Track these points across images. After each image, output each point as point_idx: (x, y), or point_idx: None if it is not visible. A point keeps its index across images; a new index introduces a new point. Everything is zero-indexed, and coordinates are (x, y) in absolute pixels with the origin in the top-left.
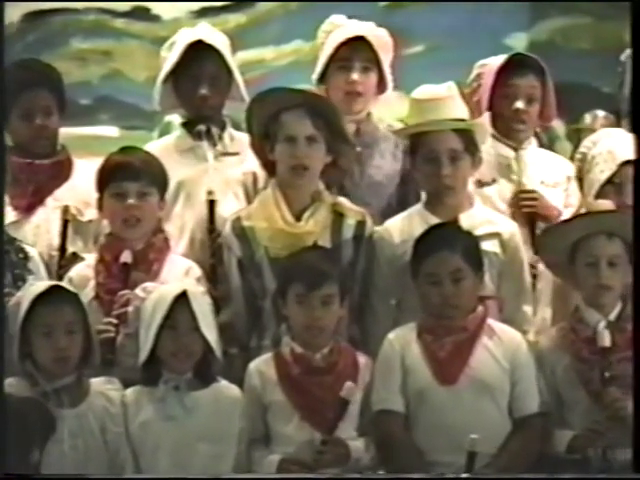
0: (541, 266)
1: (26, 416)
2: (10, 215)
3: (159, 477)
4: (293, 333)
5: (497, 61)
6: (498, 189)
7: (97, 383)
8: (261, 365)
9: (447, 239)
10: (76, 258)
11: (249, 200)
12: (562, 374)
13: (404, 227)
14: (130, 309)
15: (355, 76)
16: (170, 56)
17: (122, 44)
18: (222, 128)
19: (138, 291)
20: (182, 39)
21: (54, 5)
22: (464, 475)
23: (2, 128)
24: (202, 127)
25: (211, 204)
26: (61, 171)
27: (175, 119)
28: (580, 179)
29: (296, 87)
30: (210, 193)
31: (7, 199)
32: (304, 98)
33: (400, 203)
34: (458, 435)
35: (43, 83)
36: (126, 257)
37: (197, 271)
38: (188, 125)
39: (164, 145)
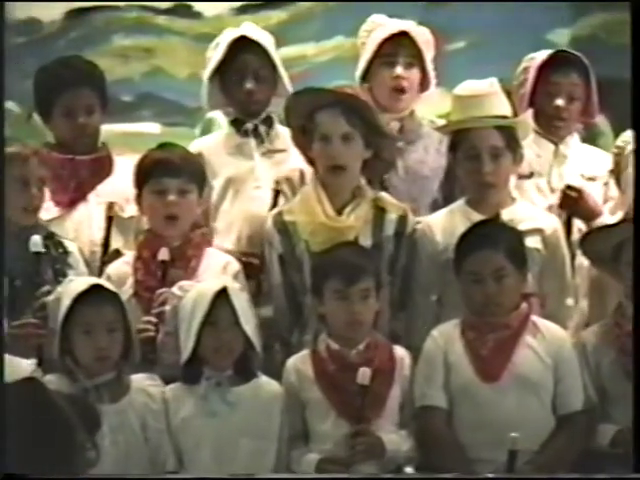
0: (578, 261)
1: (71, 413)
2: (52, 211)
3: (162, 477)
4: (330, 330)
5: (543, 56)
6: (537, 183)
7: (138, 379)
8: (298, 362)
9: (490, 237)
10: (119, 254)
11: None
12: (607, 369)
13: (446, 223)
14: (168, 308)
15: (399, 70)
16: (216, 53)
17: (164, 41)
18: (269, 125)
19: (175, 289)
20: (226, 38)
21: (97, 3)
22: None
23: (2, 128)
24: (249, 125)
25: (276, 194)
26: (102, 168)
27: (217, 116)
28: (617, 173)
29: (330, 85)
30: (278, 183)
31: (48, 194)
32: (337, 97)
33: (445, 198)
34: (501, 432)
35: (86, 81)
36: (164, 254)
37: (235, 266)
38: (236, 123)
39: (212, 142)
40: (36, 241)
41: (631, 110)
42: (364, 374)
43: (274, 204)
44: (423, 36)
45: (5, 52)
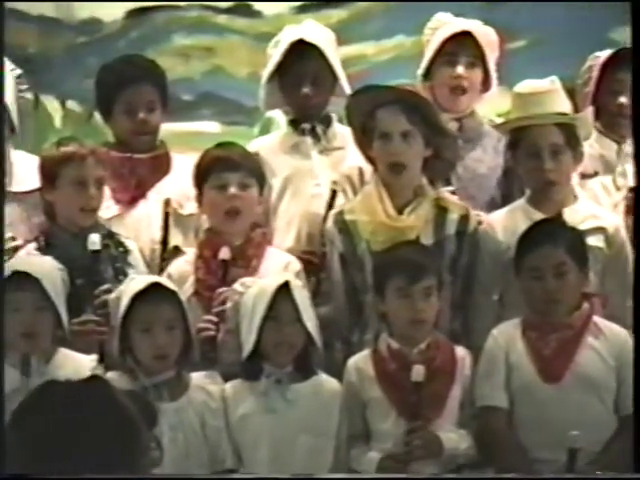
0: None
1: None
2: (113, 209)
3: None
4: (391, 329)
5: (607, 54)
6: (602, 182)
7: (197, 378)
8: (359, 362)
9: (551, 233)
10: (178, 251)
11: (355, 194)
12: None
13: (507, 222)
14: (229, 305)
15: (460, 70)
16: (274, 54)
17: (224, 40)
18: (327, 125)
19: (237, 286)
20: (286, 37)
21: (157, 3)
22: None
23: (2, 127)
24: (307, 125)
25: (333, 194)
26: (160, 166)
27: (276, 115)
28: None
29: (390, 84)
30: (335, 183)
31: (109, 193)
32: (397, 94)
33: (503, 197)
34: (562, 432)
35: (147, 78)
36: (224, 253)
37: (296, 265)
38: (294, 122)
39: (270, 142)
40: (94, 240)
41: (631, 110)
42: (418, 371)
43: (331, 203)
44: (487, 36)
45: (65, 52)
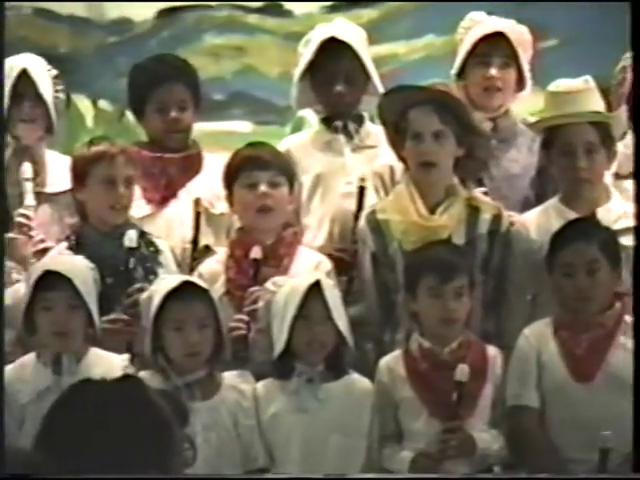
0: None
1: (164, 409)
2: (144, 208)
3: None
4: (422, 328)
5: None
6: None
7: (229, 377)
8: (390, 362)
9: (584, 231)
10: (208, 251)
11: (387, 193)
12: None
13: (540, 221)
14: (261, 304)
15: (493, 71)
16: (306, 53)
17: (255, 40)
18: (359, 123)
19: (268, 285)
20: (317, 36)
21: (188, 2)
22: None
23: (2, 127)
24: (339, 123)
25: (361, 191)
26: (191, 165)
27: (308, 114)
28: None
29: (421, 84)
30: (362, 180)
31: (139, 192)
32: (430, 95)
33: (537, 196)
34: (594, 432)
35: (179, 78)
36: (256, 253)
37: (327, 265)
38: (326, 120)
39: (301, 140)
40: (131, 236)
41: (632, 110)
42: (462, 371)
43: (360, 201)
44: (521, 35)
45: (97, 51)
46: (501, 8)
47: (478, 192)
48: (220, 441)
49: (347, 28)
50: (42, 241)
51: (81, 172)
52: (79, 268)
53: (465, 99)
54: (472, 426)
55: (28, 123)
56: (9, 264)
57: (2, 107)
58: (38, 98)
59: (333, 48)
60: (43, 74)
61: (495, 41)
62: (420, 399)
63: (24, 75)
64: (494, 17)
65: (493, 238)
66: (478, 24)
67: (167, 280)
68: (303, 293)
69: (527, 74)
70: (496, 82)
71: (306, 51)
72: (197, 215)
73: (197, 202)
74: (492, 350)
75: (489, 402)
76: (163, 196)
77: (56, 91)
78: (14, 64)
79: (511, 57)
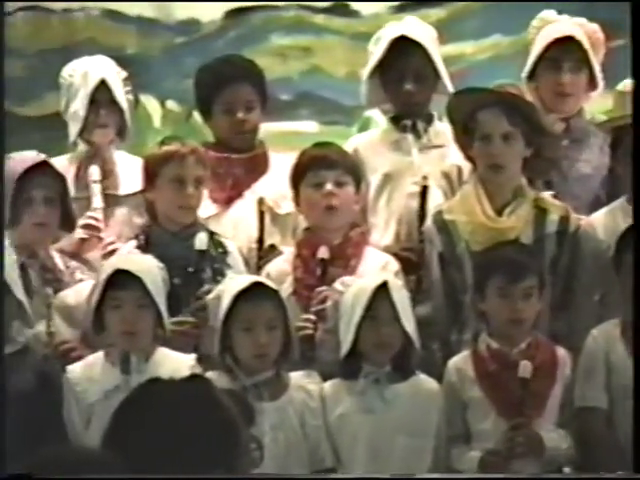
0: None
1: (231, 410)
2: (210, 208)
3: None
4: (491, 328)
5: None
6: None
7: (296, 377)
8: (459, 362)
9: None
10: (274, 250)
11: (453, 193)
12: None
13: (608, 222)
14: (329, 304)
15: (565, 78)
16: (376, 51)
17: (322, 40)
18: (428, 122)
19: (337, 285)
20: (387, 34)
21: (255, 3)
22: None
23: (2, 126)
24: (408, 121)
25: (424, 190)
26: (257, 165)
27: (374, 114)
28: None
29: (490, 84)
30: (425, 178)
31: (206, 193)
32: (499, 97)
33: (609, 196)
34: None
35: (246, 78)
36: (323, 253)
37: (394, 265)
38: (395, 119)
39: (369, 139)
40: (202, 239)
41: (632, 110)
42: (525, 367)
43: (423, 201)
44: (592, 35)
45: (164, 52)
46: (571, 6)
47: (545, 194)
48: (287, 441)
49: (418, 27)
50: (112, 243)
51: (152, 172)
52: (149, 268)
53: (537, 101)
54: (540, 426)
55: (103, 128)
56: (73, 264)
57: (2, 106)
58: (114, 103)
59: (403, 46)
60: (117, 79)
61: (566, 44)
62: (489, 399)
63: (102, 83)
64: (565, 16)
65: (561, 239)
66: (549, 24)
67: (237, 280)
68: (371, 293)
69: (598, 75)
70: (567, 88)
71: (376, 49)
72: (261, 214)
73: (261, 201)
74: (561, 351)
75: (558, 403)
76: (228, 196)
77: (125, 92)
78: (89, 70)
79: (583, 60)
